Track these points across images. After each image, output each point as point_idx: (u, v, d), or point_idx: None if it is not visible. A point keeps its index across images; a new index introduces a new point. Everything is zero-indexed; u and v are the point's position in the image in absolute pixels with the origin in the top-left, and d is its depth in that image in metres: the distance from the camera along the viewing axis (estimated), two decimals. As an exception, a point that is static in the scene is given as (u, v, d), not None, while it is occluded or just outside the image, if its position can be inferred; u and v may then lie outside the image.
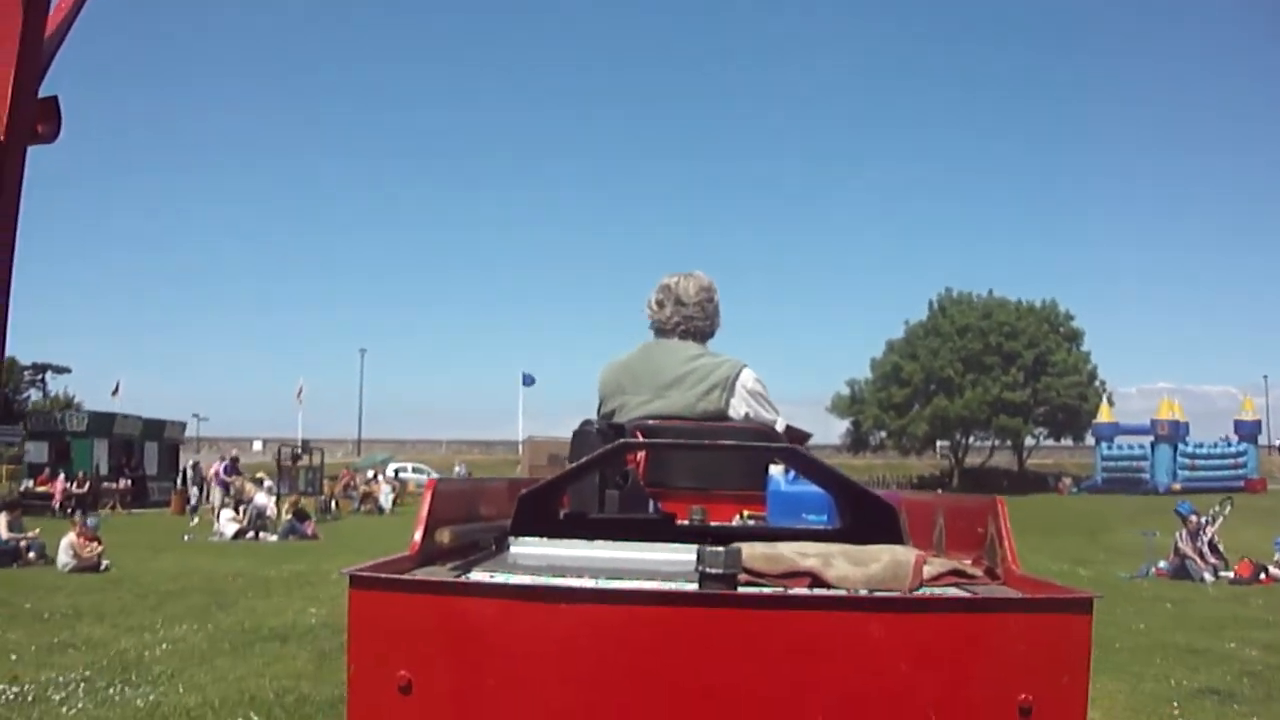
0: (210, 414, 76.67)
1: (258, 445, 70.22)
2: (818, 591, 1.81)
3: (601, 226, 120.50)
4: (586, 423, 3.17)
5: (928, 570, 1.89)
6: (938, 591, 1.86)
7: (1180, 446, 53.97)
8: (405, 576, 1.81)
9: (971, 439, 67.06)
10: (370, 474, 42.88)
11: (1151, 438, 54.58)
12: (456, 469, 53.66)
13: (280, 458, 35.26)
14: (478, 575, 1.94)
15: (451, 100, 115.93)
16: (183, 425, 43.66)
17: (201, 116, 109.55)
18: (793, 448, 2.62)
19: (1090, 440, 61.41)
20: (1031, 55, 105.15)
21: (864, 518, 2.26)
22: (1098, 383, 63.44)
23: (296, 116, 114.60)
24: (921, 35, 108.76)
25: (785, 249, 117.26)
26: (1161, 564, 15.19)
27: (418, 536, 2.07)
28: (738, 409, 3.38)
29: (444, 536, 2.14)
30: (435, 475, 38.94)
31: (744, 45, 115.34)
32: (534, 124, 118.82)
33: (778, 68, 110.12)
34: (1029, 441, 66.66)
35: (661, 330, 3.58)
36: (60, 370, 42.62)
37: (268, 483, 27.61)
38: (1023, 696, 1.61)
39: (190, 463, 38.34)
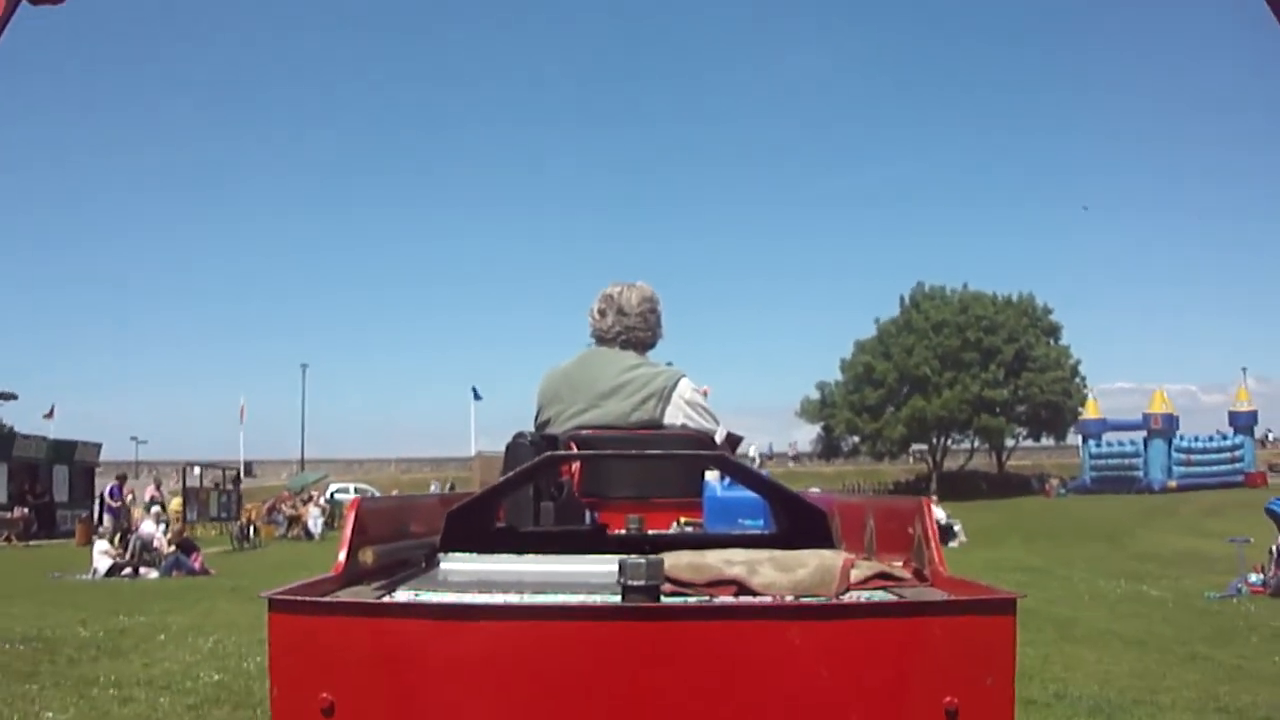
0: (152, 437, 76.31)
1: (198, 469, 69.61)
2: (740, 600, 1.91)
3: (555, 238, 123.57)
4: (520, 435, 3.26)
5: (855, 574, 1.99)
6: (863, 596, 1.96)
7: (1175, 441, 53.72)
8: (323, 599, 1.88)
9: (950, 441, 67.07)
10: (304, 496, 41.71)
11: (1144, 433, 54.34)
12: (433, 487, 52.84)
13: (186, 479, 34.09)
14: (402, 594, 2.02)
15: (396, 113, 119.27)
16: (97, 447, 41.66)
17: (137, 131, 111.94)
18: (722, 454, 2.74)
19: (1072, 439, 61.81)
20: (997, 46, 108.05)
21: (795, 522, 2.37)
22: (1079, 378, 63.53)
23: (238, 129, 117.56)
24: (886, 28, 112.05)
25: (742, 254, 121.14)
26: (1253, 578, 13.47)
27: (341, 556, 2.15)
28: (674, 418, 3.50)
29: (368, 556, 2.22)
30: (374, 495, 38.56)
31: (697, 48, 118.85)
32: (489, 131, 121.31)
33: (732, 69, 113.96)
34: (1009, 442, 66.72)
35: (602, 339, 3.71)
36: (6, 397, 41.76)
37: (155, 508, 26.03)
38: (948, 699, 1.70)
39: (107, 488, 36.32)
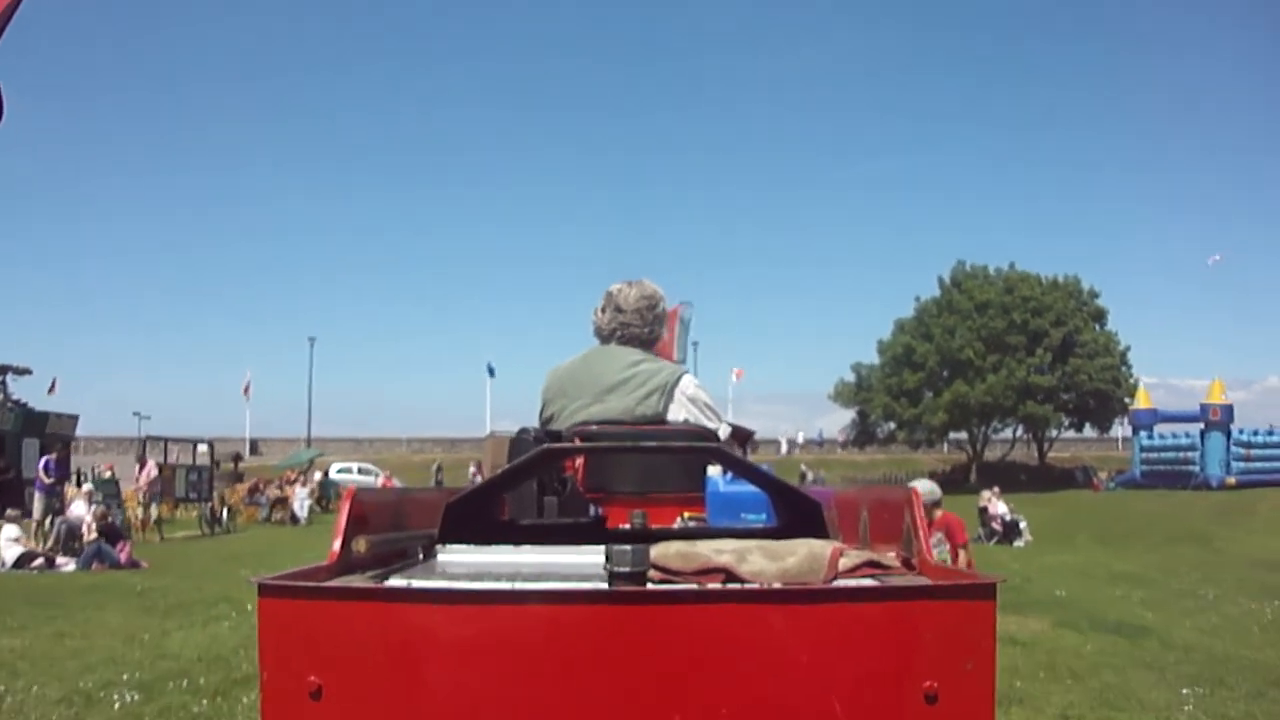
0: (155, 413, 76.68)
1: (203, 446, 70.06)
2: (726, 586, 2.05)
3: (580, 220, 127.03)
4: (524, 430, 3.45)
5: (844, 562, 2.13)
6: (847, 582, 2.10)
7: (1233, 435, 51.85)
8: (312, 584, 2.02)
9: (992, 429, 66.70)
10: (290, 477, 40.69)
11: (1200, 425, 52.36)
12: (472, 471, 52.95)
13: (143, 453, 31.65)
14: (395, 582, 2.17)
15: (415, 92, 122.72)
16: (74, 419, 39.07)
17: (144, 108, 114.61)
18: (719, 448, 2.89)
19: (1118, 430, 61.32)
20: (1047, 19, 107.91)
21: (792, 514, 2.53)
22: (1127, 366, 62.87)
23: (249, 102, 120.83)
24: (930, 7, 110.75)
25: (775, 237, 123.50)
26: None
27: (336, 545, 2.30)
28: (676, 414, 3.71)
29: (361, 545, 2.37)
30: (384, 476, 37.95)
31: (731, 27, 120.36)
32: (523, 117, 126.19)
33: (766, 48, 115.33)
34: (1051, 432, 66.22)
35: (602, 337, 3.95)
36: (21, 372, 41.88)
37: (87, 486, 23.69)
38: (928, 684, 1.83)
39: (41, 462, 34.09)
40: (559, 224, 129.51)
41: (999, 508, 26.51)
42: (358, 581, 2.20)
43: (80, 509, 20.16)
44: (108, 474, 29.98)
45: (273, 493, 36.65)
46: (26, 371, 43.21)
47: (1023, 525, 26.13)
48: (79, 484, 27.13)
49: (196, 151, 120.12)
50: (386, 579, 2.23)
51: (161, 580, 14.93)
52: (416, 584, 2.11)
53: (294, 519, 34.35)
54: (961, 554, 8.15)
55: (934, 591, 1.96)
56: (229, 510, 31.53)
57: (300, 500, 35.69)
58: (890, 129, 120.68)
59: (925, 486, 7.69)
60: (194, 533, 28.19)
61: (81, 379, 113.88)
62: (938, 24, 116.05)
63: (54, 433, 36.97)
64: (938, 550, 6.68)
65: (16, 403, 36.51)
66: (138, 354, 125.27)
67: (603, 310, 3.94)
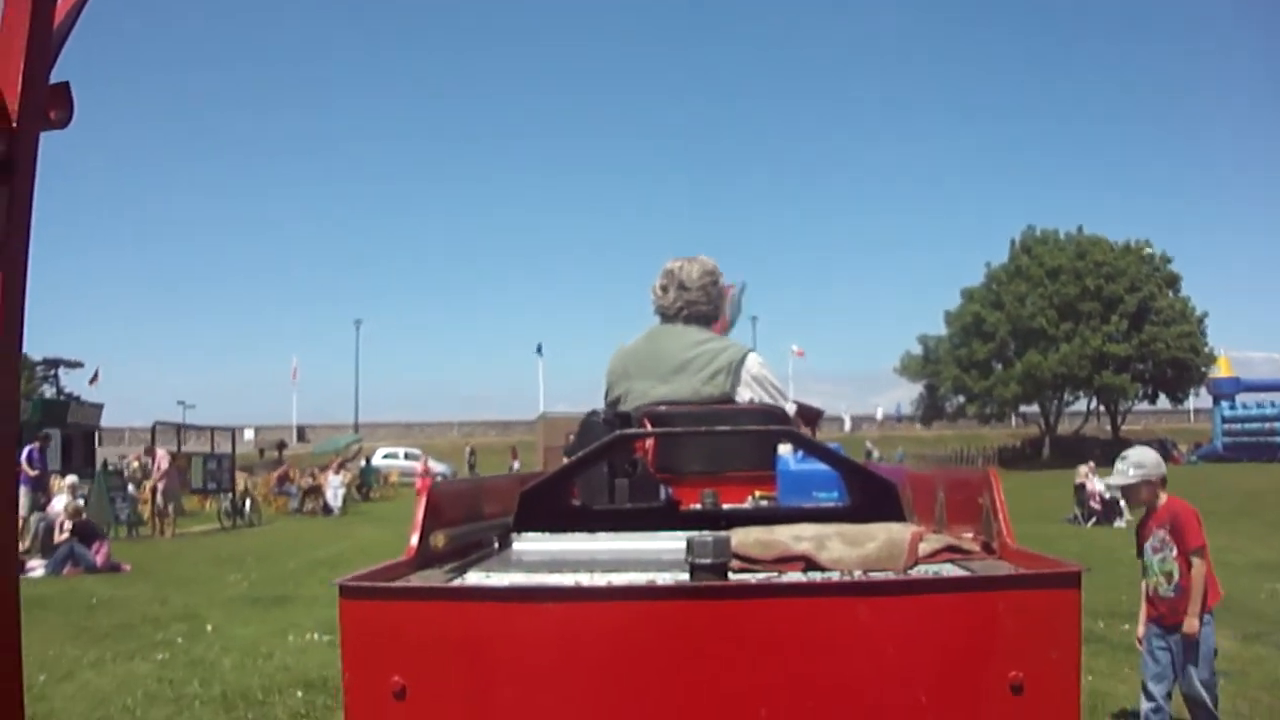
0: (201, 401, 77.37)
1: (249, 434, 70.96)
2: (807, 577, 2.11)
3: (638, 201, 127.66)
4: (593, 413, 3.53)
5: (923, 547, 2.19)
6: (930, 570, 2.15)
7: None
8: (393, 584, 2.11)
9: (1067, 401, 65.79)
10: (337, 463, 38.10)
11: None
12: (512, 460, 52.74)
13: (154, 441, 29.61)
14: (474, 576, 2.26)
15: (465, 74, 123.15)
16: (98, 408, 38.81)
17: (187, 97, 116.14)
18: (791, 429, 2.95)
19: (1191, 402, 60.14)
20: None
21: (866, 495, 2.59)
22: (1204, 334, 61.57)
23: (297, 91, 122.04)
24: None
25: (829, 216, 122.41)
26: None
27: (414, 540, 2.39)
28: (743, 394, 3.78)
29: (438, 541, 2.46)
30: (428, 462, 37.12)
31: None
32: (576, 101, 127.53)
33: (825, 21, 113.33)
34: (1125, 404, 65.20)
35: (666, 316, 4.01)
36: (72, 365, 42.20)
37: (70, 478, 21.33)
38: (1014, 674, 1.88)
39: (24, 452, 31.75)
40: (610, 204, 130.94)
41: (1096, 484, 24.55)
42: (436, 577, 2.28)
43: (58, 505, 18.54)
44: (135, 464, 29.04)
45: (305, 481, 34.86)
46: (78, 365, 43.43)
47: (1123, 504, 23.23)
48: (105, 475, 26.04)
49: (243, 137, 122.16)
50: (464, 573, 2.31)
51: (129, 589, 13.78)
52: (495, 581, 2.19)
53: (327, 509, 32.72)
54: (1196, 564, 5.34)
55: (1017, 581, 2.00)
56: (252, 502, 29.76)
57: (333, 489, 33.80)
58: (944, 98, 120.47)
59: (1148, 458, 5.65)
60: (213, 526, 26.87)
61: (127, 369, 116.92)
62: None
63: (76, 422, 36.83)
64: (1159, 558, 5.55)
65: (59, 391, 36.26)
66: (184, 343, 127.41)
67: (664, 289, 4.00)
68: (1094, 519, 23.99)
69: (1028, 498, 27.87)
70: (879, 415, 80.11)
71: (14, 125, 1.70)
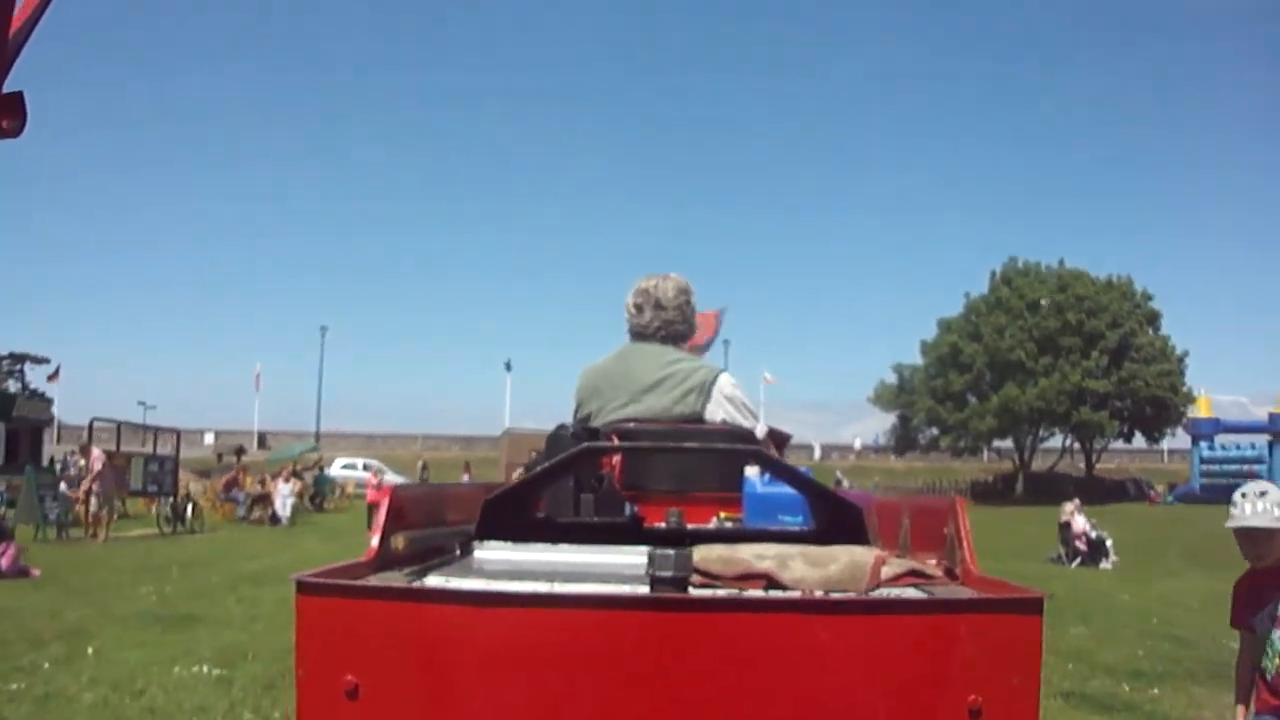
0: (163, 403, 77.30)
1: (209, 438, 70.83)
2: (769, 594, 2.13)
3: (608, 218, 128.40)
4: (561, 427, 3.57)
5: (886, 571, 2.21)
6: (893, 592, 2.18)
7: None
8: (351, 582, 2.12)
9: (1041, 437, 65.87)
10: (288, 471, 36.48)
11: (1267, 436, 52.26)
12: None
13: (87, 441, 28.18)
14: (434, 580, 2.27)
15: (434, 88, 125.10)
16: (48, 403, 38.62)
17: (153, 98, 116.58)
18: (759, 450, 2.99)
19: (1166, 442, 60.43)
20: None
21: (831, 519, 2.62)
22: (1183, 373, 61.79)
23: (263, 99, 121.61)
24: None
25: (807, 237, 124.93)
26: None
27: (374, 542, 2.41)
28: (714, 413, 3.82)
29: (399, 543, 2.49)
30: (371, 473, 36.69)
31: (774, 33, 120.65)
32: (548, 118, 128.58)
33: (806, 52, 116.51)
34: (1101, 441, 65.34)
35: (642, 335, 4.04)
36: (39, 360, 42.36)
37: None
38: (973, 698, 1.90)
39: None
40: (580, 221, 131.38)
41: (1080, 523, 24.19)
42: (396, 579, 2.30)
43: None
44: (83, 462, 27.50)
45: (253, 488, 34.25)
46: (44, 360, 43.37)
47: (1109, 543, 23.78)
48: (34, 473, 25.16)
49: (212, 143, 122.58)
50: (425, 576, 2.33)
51: (25, 599, 12.80)
52: (455, 584, 2.20)
53: (274, 519, 32.00)
54: None
55: (979, 605, 2.03)
56: (194, 507, 28.98)
57: (283, 498, 32.93)
58: (925, 128, 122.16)
59: None
60: (151, 531, 26.16)
61: (91, 368, 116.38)
62: (986, 19, 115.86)
63: (23, 416, 35.61)
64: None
65: (24, 386, 35.97)
66: (149, 344, 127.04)
67: (639, 308, 4.03)
68: (1078, 559, 23.36)
69: (1004, 534, 27.58)
70: (857, 445, 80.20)
71: None
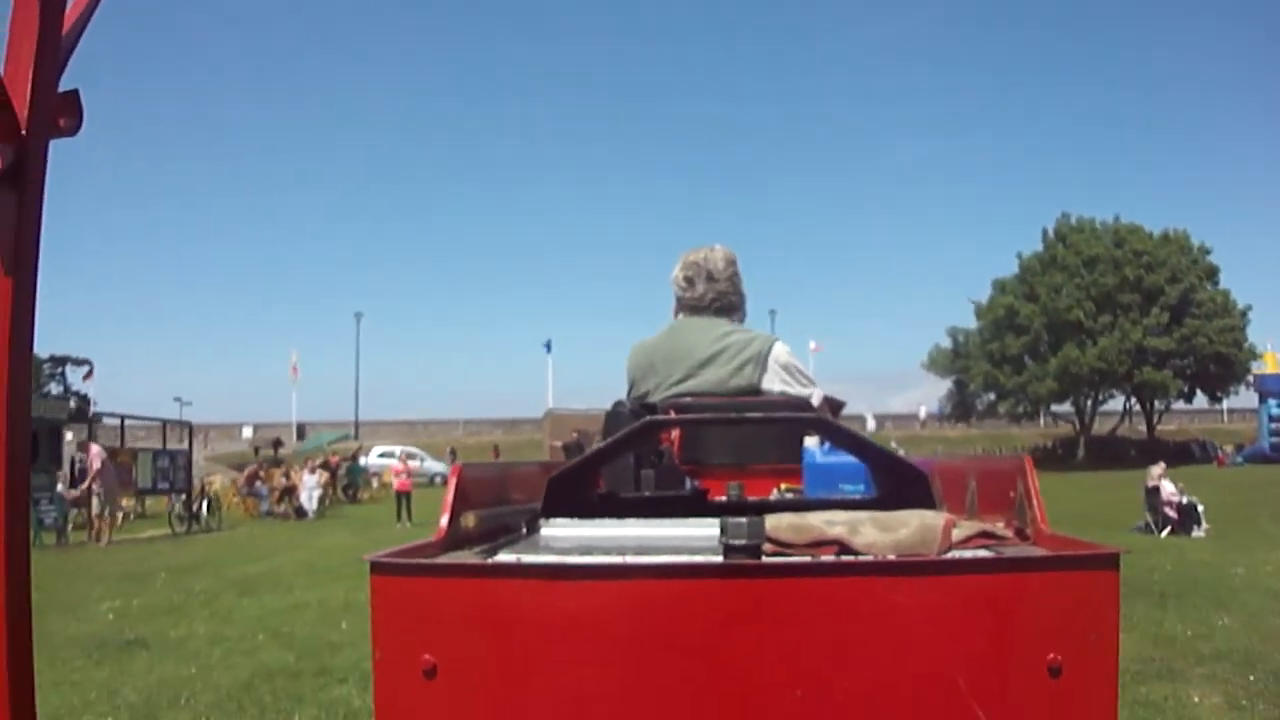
0: (200, 398, 77.91)
1: (247, 432, 71.69)
2: (841, 558, 2.20)
3: (652, 200, 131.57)
4: (619, 403, 3.64)
5: (956, 533, 2.27)
6: (965, 554, 2.24)
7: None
8: (423, 560, 2.20)
9: (1100, 399, 65.44)
10: (314, 462, 37.28)
11: None
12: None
13: (89, 435, 28.13)
14: (504, 557, 2.35)
15: (471, 69, 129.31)
16: (64, 402, 38.49)
17: (185, 92, 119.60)
18: (821, 418, 3.05)
19: (1226, 402, 60.53)
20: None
21: (896, 485, 2.68)
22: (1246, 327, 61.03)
23: (300, 84, 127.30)
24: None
25: (853, 203, 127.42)
26: None
27: (444, 521, 2.49)
28: (771, 384, 3.89)
29: (469, 521, 2.58)
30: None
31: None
32: (589, 99, 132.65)
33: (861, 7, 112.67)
34: (1162, 402, 64.74)
35: (695, 308, 4.11)
36: (79, 363, 42.70)
37: None
38: (1052, 656, 1.95)
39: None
40: (623, 200, 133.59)
41: (1168, 488, 22.82)
42: (466, 557, 2.38)
43: None
44: (98, 464, 25.97)
45: (277, 482, 33.96)
46: (85, 362, 43.52)
47: (1200, 510, 22.32)
48: (72, 475, 25.40)
49: (246, 131, 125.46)
50: (494, 554, 2.41)
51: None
52: (527, 559, 2.27)
53: (300, 512, 31.97)
54: None
55: (1054, 562, 2.09)
56: (210, 503, 29.08)
57: (308, 490, 32.83)
58: (968, 87, 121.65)
59: None
60: (163, 531, 26.10)
61: (127, 366, 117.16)
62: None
63: (40, 416, 33.24)
64: None
65: (66, 389, 35.81)
66: (184, 338, 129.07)
67: (689, 281, 4.09)
68: (1168, 527, 22.15)
69: (1074, 502, 26.89)
70: (922, 413, 79.53)
71: (24, 134, 1.79)
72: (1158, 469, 23.86)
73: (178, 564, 18.11)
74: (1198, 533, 21.58)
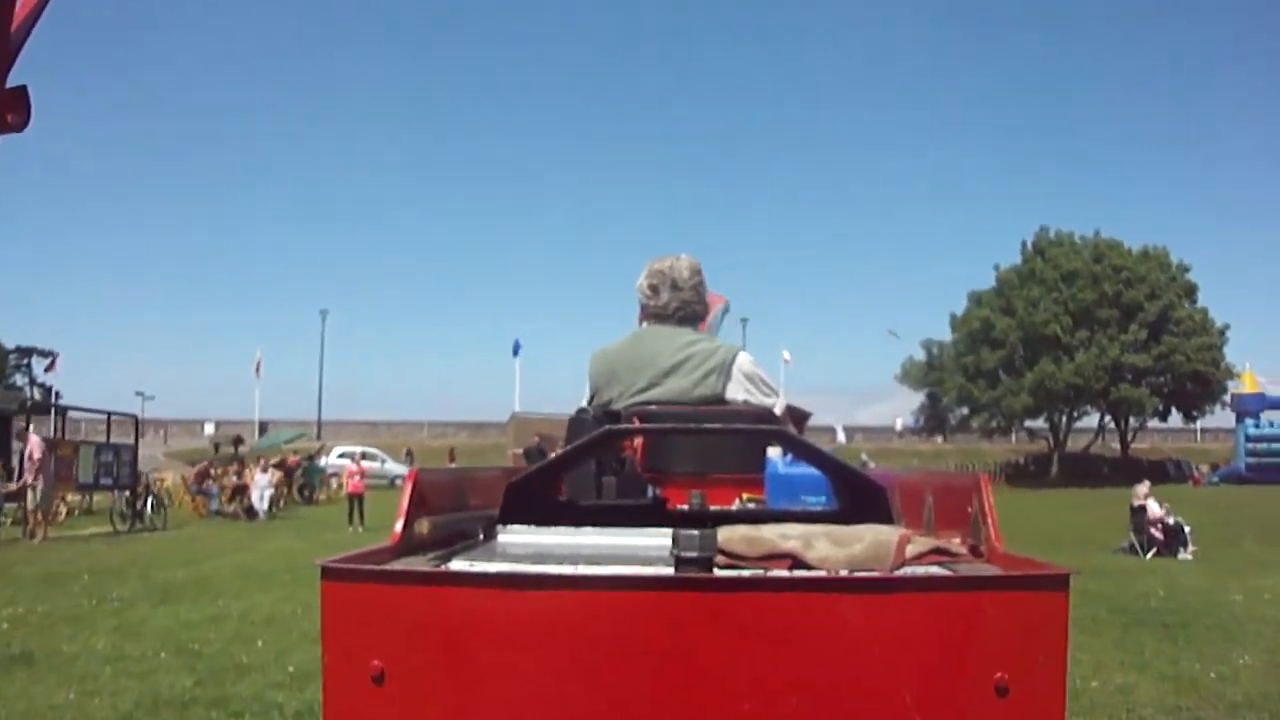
0: (162, 393, 77.82)
1: (209, 428, 71.33)
2: (793, 573, 2.23)
3: (622, 205, 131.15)
4: (582, 410, 3.68)
5: (910, 549, 2.31)
6: (917, 570, 2.27)
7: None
8: (375, 567, 2.22)
9: (1077, 416, 65.40)
10: (266, 460, 35.89)
11: None
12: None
13: (27, 426, 26.63)
14: (459, 564, 2.38)
15: (439, 70, 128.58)
16: (17, 393, 38.06)
17: (150, 85, 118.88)
18: (783, 430, 3.09)
19: (1200, 421, 60.59)
20: None
21: (855, 499, 2.72)
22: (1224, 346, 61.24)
23: (265, 81, 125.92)
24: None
25: (827, 212, 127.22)
26: None
27: (398, 526, 2.52)
28: (735, 393, 3.94)
29: (424, 527, 2.60)
30: (350, 464, 35.96)
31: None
32: (558, 103, 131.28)
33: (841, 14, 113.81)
34: (1138, 419, 64.96)
35: (659, 316, 4.15)
36: (45, 354, 42.73)
37: None
38: (999, 675, 1.98)
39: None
40: (593, 205, 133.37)
41: (1154, 508, 22.16)
42: (420, 564, 2.40)
43: None
44: (38, 454, 24.40)
45: (228, 480, 33.25)
46: (51, 354, 43.48)
47: (1188, 531, 21.68)
48: (19, 470, 24.32)
49: (215, 129, 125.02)
50: (449, 561, 2.44)
51: None
52: (480, 568, 2.30)
53: (250, 513, 31.14)
54: None
55: (1005, 581, 2.12)
56: (156, 501, 27.98)
57: (260, 490, 31.95)
58: (944, 98, 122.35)
59: None
60: (105, 529, 24.86)
61: (91, 358, 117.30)
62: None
63: None
64: None
65: (31, 380, 35.80)
66: (147, 332, 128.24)
67: (654, 289, 4.13)
68: (1153, 549, 21.47)
69: (1049, 521, 26.75)
70: (898, 425, 79.43)
71: None
72: (1143, 488, 23.31)
73: (106, 566, 17.05)
74: (1184, 555, 21.10)
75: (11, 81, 1.94)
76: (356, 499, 29.26)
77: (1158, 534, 21.80)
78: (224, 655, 9.22)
